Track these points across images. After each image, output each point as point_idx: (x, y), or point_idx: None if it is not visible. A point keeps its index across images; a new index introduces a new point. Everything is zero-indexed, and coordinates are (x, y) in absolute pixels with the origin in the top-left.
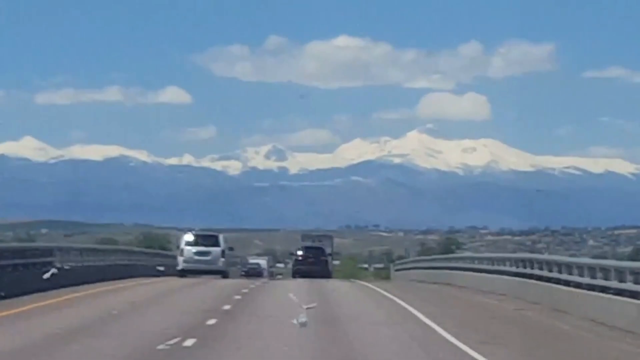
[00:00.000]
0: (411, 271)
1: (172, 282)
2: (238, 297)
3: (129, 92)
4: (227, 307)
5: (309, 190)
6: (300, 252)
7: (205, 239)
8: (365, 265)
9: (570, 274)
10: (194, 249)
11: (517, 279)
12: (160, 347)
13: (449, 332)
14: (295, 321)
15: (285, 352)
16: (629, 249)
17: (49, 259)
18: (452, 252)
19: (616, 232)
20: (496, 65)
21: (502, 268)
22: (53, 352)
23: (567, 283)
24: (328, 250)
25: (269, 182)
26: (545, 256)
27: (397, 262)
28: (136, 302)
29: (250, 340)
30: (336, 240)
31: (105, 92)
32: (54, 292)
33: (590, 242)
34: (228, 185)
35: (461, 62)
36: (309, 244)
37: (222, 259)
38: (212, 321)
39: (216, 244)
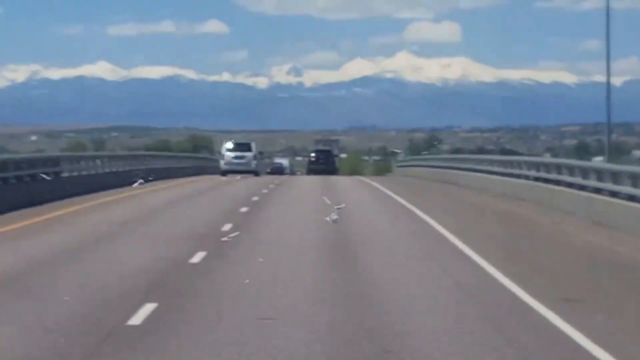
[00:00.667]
0: (413, 168)
1: (217, 179)
2: (265, 190)
3: (180, 24)
4: (255, 198)
5: (320, 99)
6: (312, 155)
7: (241, 146)
8: (366, 158)
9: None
10: (232, 154)
11: (533, 182)
12: (202, 230)
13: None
14: (328, 219)
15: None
16: (573, 142)
17: (56, 169)
18: (435, 146)
19: (562, 129)
20: None
21: (510, 170)
22: (117, 238)
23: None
24: (335, 152)
25: (289, 93)
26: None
27: (400, 160)
28: (190, 194)
29: (276, 220)
30: (342, 138)
31: (161, 25)
32: (89, 196)
33: (542, 137)
34: (257, 96)
35: None
36: (320, 147)
37: (254, 162)
38: (244, 209)
39: (249, 149)
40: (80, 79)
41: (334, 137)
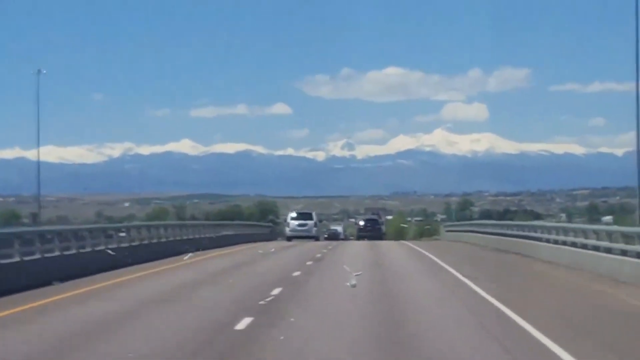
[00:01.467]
0: (465, 234)
1: (284, 242)
2: (325, 250)
3: (252, 107)
4: (319, 255)
5: (369, 169)
6: (362, 222)
7: (303, 215)
8: (409, 219)
9: None
10: (296, 222)
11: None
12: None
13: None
14: (348, 284)
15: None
16: (584, 203)
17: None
18: (468, 208)
19: (573, 192)
20: (492, 84)
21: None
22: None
23: None
24: (381, 220)
25: (343, 164)
26: None
27: (448, 223)
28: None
29: (331, 274)
30: (388, 203)
31: (236, 108)
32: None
33: (557, 199)
34: (316, 167)
35: (469, 82)
36: (368, 216)
37: (315, 228)
38: (309, 262)
39: (310, 218)
40: (167, 154)
41: (380, 206)
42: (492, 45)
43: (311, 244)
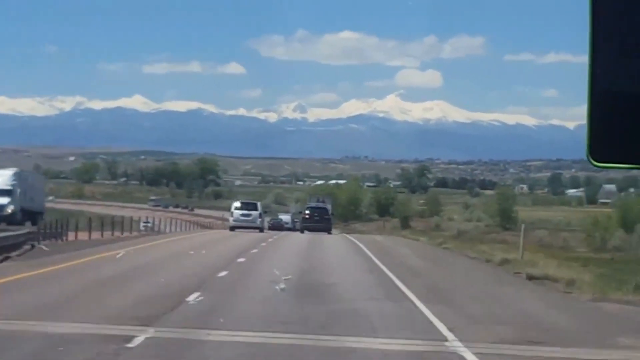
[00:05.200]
0: None
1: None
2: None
3: (205, 65)
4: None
5: (321, 133)
6: (307, 212)
7: (248, 205)
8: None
9: None
10: (240, 212)
11: None
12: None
13: None
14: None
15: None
16: (538, 175)
17: None
18: (425, 175)
19: (527, 163)
20: (447, 51)
21: None
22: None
23: None
24: (329, 209)
25: (295, 127)
26: None
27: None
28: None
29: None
30: (340, 167)
31: (189, 65)
32: None
33: (511, 170)
34: (268, 128)
35: (424, 48)
36: (314, 204)
37: (259, 219)
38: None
39: (255, 208)
40: (118, 109)
41: (330, 169)
42: (448, 11)
43: (252, 234)
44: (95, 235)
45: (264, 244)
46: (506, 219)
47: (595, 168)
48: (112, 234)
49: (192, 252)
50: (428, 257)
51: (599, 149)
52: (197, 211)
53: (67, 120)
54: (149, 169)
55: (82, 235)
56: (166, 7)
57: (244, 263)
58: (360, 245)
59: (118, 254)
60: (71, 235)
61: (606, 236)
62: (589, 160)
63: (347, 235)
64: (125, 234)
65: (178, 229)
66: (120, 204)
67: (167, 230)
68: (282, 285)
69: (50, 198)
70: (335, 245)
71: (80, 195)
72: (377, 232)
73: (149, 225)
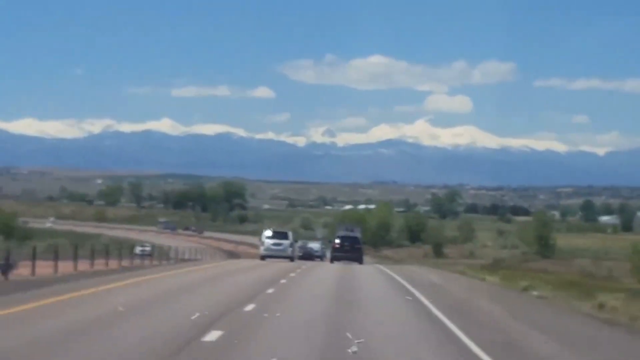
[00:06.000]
0: None
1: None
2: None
3: (234, 88)
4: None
5: (349, 157)
6: (337, 241)
7: (279, 234)
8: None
9: None
10: (272, 241)
11: None
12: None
13: None
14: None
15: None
16: (569, 202)
17: None
18: (455, 200)
19: (557, 189)
20: (476, 76)
21: None
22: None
23: None
24: (360, 237)
25: (323, 151)
26: None
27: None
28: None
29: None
30: (367, 191)
31: (218, 89)
32: None
33: (540, 196)
34: (296, 152)
35: (453, 74)
36: (344, 233)
37: (290, 248)
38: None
39: (286, 237)
40: (146, 132)
41: (360, 195)
42: (479, 37)
43: (283, 264)
44: (84, 265)
45: (294, 274)
46: (543, 246)
47: (629, 194)
48: (92, 266)
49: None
50: (541, 326)
51: None
52: (218, 235)
53: (95, 143)
54: (174, 192)
55: (57, 267)
56: (195, 30)
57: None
58: (407, 285)
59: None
60: (38, 267)
61: None
62: None
63: (382, 267)
64: (112, 263)
65: (187, 255)
66: (139, 227)
67: (174, 255)
68: (355, 349)
69: (51, 219)
70: (372, 285)
71: (101, 218)
72: (412, 260)
73: (147, 250)
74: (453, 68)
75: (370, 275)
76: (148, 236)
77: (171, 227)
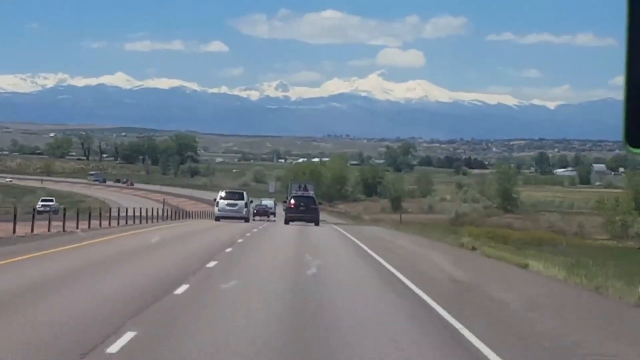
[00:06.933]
0: None
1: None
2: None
3: (188, 43)
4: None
5: (303, 111)
6: (292, 201)
7: (233, 195)
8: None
9: None
10: (226, 201)
11: None
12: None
13: None
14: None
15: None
16: (521, 154)
17: None
18: (410, 154)
19: (509, 142)
20: (429, 31)
21: None
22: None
23: None
24: (315, 196)
25: (277, 105)
26: None
27: None
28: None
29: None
30: (321, 145)
31: (172, 44)
32: None
33: (493, 149)
34: (250, 106)
35: (406, 28)
36: (299, 193)
37: (245, 209)
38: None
39: (241, 198)
40: (100, 86)
41: (313, 147)
42: None
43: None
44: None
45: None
46: (506, 200)
47: (581, 147)
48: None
49: None
50: None
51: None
52: (167, 189)
53: (49, 97)
54: (124, 145)
55: None
56: None
57: None
58: (388, 266)
59: None
60: None
61: (628, 222)
62: (625, 146)
63: (342, 231)
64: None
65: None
66: (78, 180)
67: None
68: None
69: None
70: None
71: (48, 172)
72: (370, 216)
73: (53, 206)
74: (406, 22)
75: (329, 238)
76: (80, 188)
77: (100, 179)
